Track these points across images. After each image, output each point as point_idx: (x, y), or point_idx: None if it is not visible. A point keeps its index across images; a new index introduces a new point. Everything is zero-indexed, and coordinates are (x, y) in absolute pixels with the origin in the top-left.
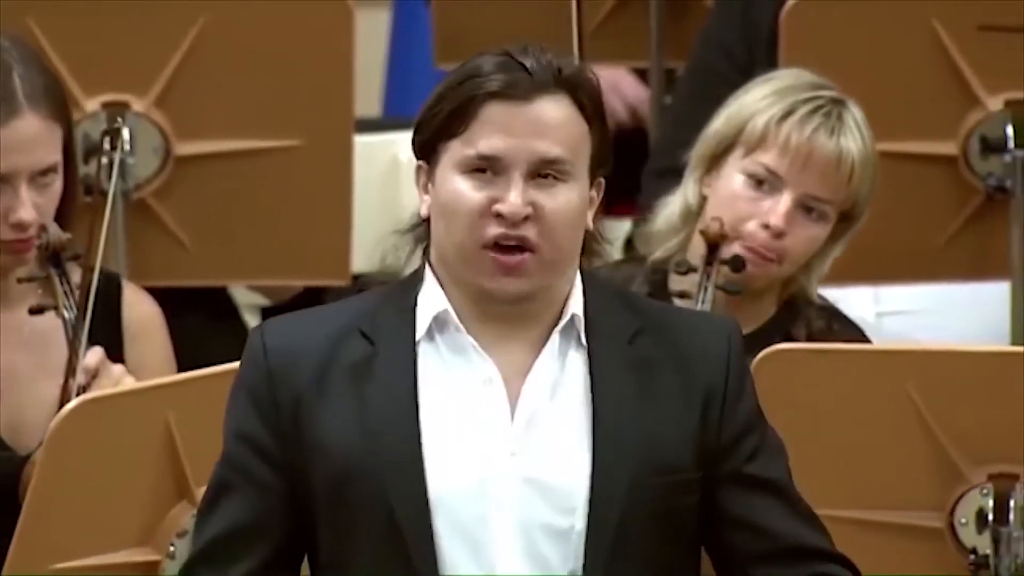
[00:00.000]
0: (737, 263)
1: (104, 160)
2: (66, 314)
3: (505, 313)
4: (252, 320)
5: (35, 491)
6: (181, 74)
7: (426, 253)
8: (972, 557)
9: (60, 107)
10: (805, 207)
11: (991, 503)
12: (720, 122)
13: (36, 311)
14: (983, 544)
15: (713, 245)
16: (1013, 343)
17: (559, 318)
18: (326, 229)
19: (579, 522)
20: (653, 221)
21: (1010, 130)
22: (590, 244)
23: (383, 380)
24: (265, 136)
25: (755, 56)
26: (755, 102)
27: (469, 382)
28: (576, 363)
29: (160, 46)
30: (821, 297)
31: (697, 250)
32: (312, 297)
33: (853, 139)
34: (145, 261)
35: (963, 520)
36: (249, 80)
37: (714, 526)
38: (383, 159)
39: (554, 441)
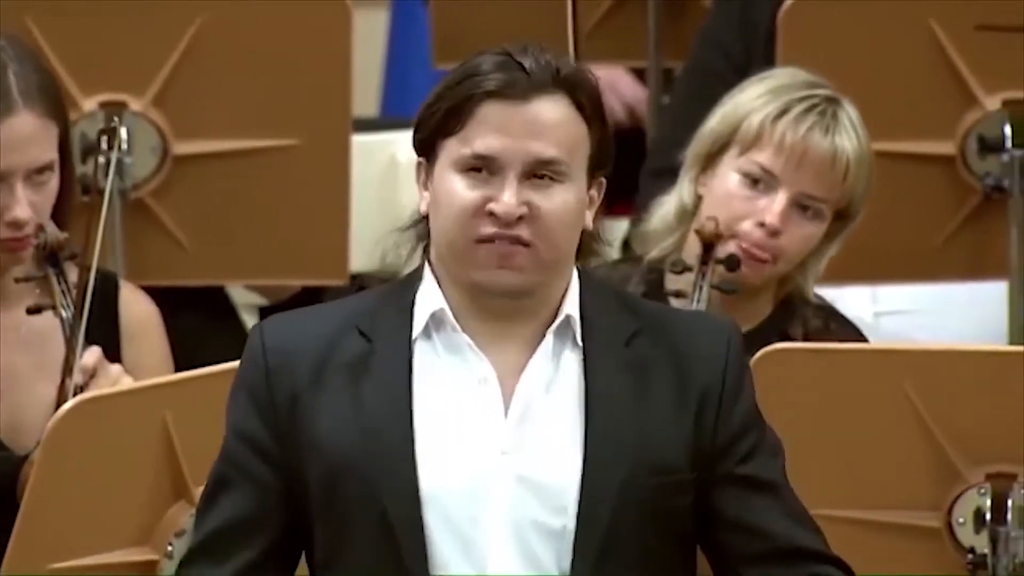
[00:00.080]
0: (732, 262)
1: (101, 159)
2: (64, 314)
3: (501, 310)
4: (250, 320)
5: (33, 491)
6: (179, 74)
7: (426, 251)
8: (970, 557)
9: (56, 105)
10: (800, 206)
11: (989, 503)
12: (715, 121)
13: (34, 311)
14: (981, 544)
15: (708, 244)
16: (1011, 343)
17: (554, 318)
18: (324, 229)
19: (571, 521)
20: (649, 221)
21: (1008, 130)
22: (589, 244)
23: (379, 378)
24: (263, 136)
25: (753, 56)
26: (750, 101)
27: (464, 381)
28: (571, 363)
29: (158, 46)
30: (818, 296)
31: (693, 249)
32: (310, 297)
33: (848, 138)
34: (143, 260)
35: (961, 520)
36: (247, 80)
37: (709, 526)
38: (381, 159)
39: (547, 440)
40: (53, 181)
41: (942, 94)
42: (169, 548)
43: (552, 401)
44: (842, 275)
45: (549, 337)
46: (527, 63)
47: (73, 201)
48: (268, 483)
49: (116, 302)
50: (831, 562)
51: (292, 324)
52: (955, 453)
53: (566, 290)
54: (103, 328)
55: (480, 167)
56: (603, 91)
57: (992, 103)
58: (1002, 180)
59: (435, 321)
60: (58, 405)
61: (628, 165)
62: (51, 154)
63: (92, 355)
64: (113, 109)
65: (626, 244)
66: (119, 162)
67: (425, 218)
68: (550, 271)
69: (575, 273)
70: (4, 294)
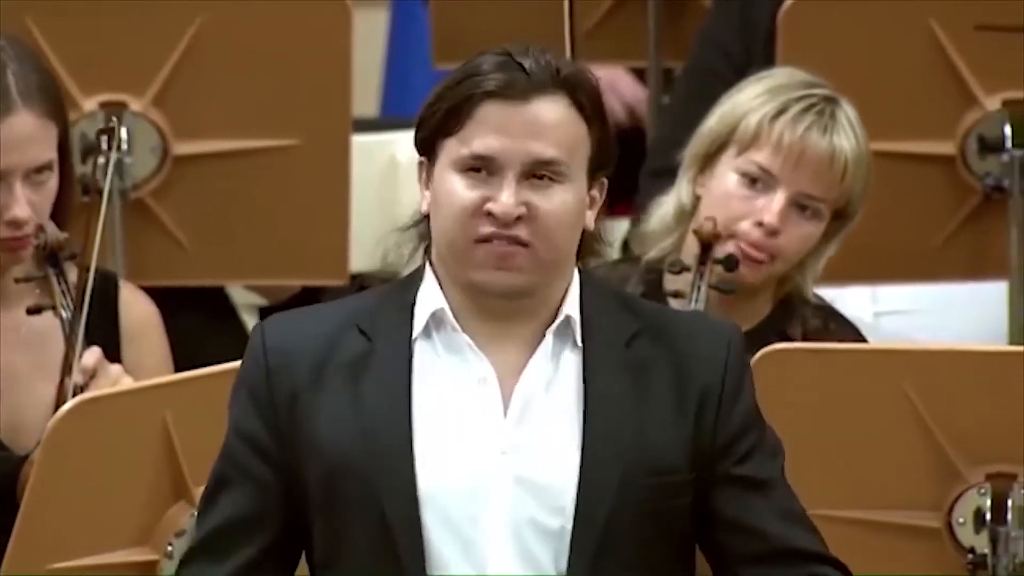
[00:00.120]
0: (730, 262)
1: (101, 159)
2: (63, 314)
3: (501, 310)
4: (250, 320)
5: (33, 491)
6: (179, 74)
7: (427, 251)
8: (970, 557)
9: (55, 105)
10: (799, 205)
11: (989, 503)
12: (713, 121)
13: (34, 311)
14: (981, 544)
15: (706, 244)
16: (1011, 343)
17: (554, 318)
18: (324, 229)
19: (568, 522)
20: (647, 221)
21: (1008, 130)
22: (591, 244)
23: (378, 377)
24: (263, 136)
25: (753, 56)
26: (748, 101)
27: (464, 381)
28: (570, 364)
29: (158, 46)
30: (817, 296)
31: (691, 250)
32: (310, 297)
33: (846, 137)
34: (143, 261)
35: (961, 520)
36: (247, 80)
37: (707, 526)
38: (381, 159)
39: (545, 440)
40: (52, 181)
41: (942, 94)
42: (169, 548)
43: (551, 401)
44: (842, 275)
45: (549, 337)
46: (527, 63)
47: (73, 201)
48: (268, 482)
49: (116, 302)
50: (829, 563)
51: (293, 324)
52: (955, 453)
53: (566, 290)
54: (103, 328)
55: (479, 167)
56: (603, 91)
57: (992, 103)
58: (1002, 180)
59: (435, 321)
60: (58, 405)
61: (628, 165)
62: (50, 154)
63: (92, 355)
64: (113, 109)
65: (625, 244)
66: (119, 162)
67: (426, 218)
68: (549, 271)
69: (576, 273)
70: (4, 294)
